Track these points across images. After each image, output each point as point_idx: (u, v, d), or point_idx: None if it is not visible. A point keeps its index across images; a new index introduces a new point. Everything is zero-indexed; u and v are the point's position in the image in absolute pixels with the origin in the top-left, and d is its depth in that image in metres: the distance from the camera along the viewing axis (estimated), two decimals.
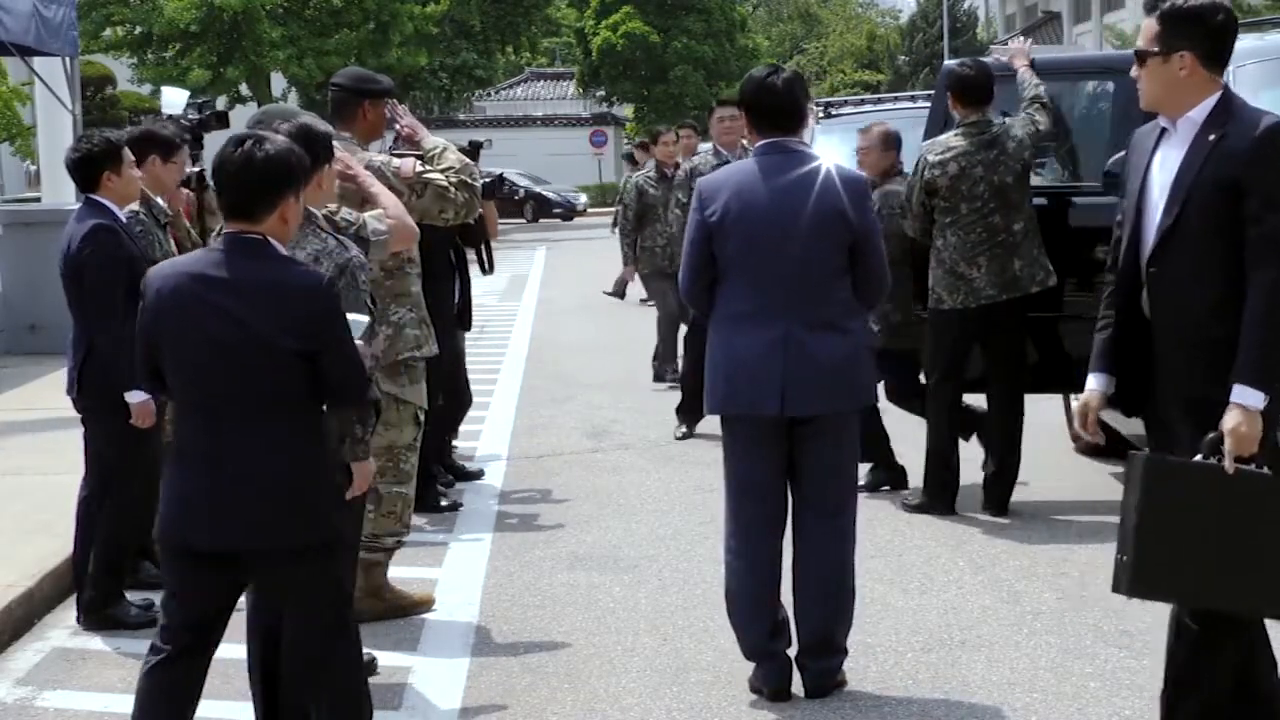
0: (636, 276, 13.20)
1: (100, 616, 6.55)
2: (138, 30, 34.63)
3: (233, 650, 5.03)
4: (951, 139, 8.01)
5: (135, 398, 6.28)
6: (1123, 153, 7.60)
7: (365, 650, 5.96)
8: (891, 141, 8.76)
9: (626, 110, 51.25)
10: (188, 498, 4.26)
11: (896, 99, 18.85)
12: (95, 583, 6.54)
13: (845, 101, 17.59)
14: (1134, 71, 4.56)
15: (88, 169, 6.48)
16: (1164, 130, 4.57)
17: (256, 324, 4.16)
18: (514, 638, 6.38)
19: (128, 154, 6.57)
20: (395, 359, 6.42)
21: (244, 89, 35.66)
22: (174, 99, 8.27)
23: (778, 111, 5.52)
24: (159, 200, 6.90)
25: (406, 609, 6.70)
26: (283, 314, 4.18)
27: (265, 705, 5.15)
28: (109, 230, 6.38)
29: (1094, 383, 4.76)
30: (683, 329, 11.10)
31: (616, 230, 16.65)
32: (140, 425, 6.34)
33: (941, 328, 8.08)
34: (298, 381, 4.23)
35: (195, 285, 4.23)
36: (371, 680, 5.84)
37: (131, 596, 6.66)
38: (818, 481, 5.55)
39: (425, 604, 6.80)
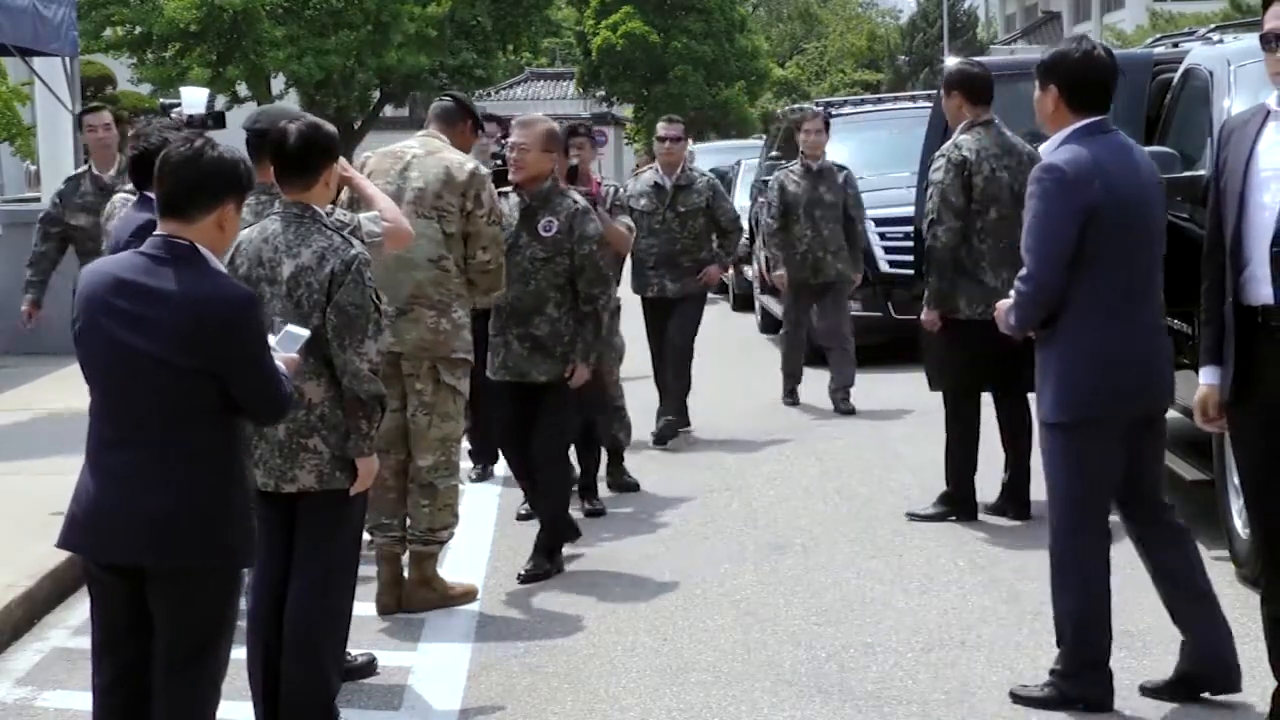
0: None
1: None
2: (138, 30, 34.61)
3: (233, 650, 5.03)
4: (978, 138, 7.79)
5: None
6: None
7: (365, 650, 5.99)
8: (555, 141, 7.26)
9: (626, 110, 51.22)
10: (85, 505, 4.10)
11: (896, 99, 18.87)
12: None
13: (845, 101, 17.60)
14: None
15: (145, 166, 6.44)
16: (1269, 113, 4.64)
17: (157, 336, 3.98)
18: (514, 638, 6.38)
19: None
20: (450, 355, 6.63)
21: (243, 89, 35.66)
22: (195, 98, 8.21)
23: (1106, 89, 5.24)
24: None
25: (456, 599, 6.79)
26: (186, 329, 3.97)
27: (265, 705, 5.16)
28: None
29: (1208, 376, 4.81)
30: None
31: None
32: None
33: (960, 338, 7.88)
34: (201, 398, 4.02)
35: (110, 288, 4.06)
36: (371, 680, 5.86)
37: None
38: (1159, 481, 5.37)
39: (471, 594, 6.86)
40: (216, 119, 8.02)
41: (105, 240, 7.13)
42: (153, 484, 4.01)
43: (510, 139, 7.32)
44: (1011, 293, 5.31)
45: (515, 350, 7.17)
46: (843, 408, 11.16)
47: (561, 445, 7.36)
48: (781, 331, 12.05)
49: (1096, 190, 5.02)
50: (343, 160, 5.97)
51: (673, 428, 10.27)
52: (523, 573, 7.15)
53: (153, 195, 6.39)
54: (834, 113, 15.34)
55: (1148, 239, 5.16)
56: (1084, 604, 5.27)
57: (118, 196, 7.56)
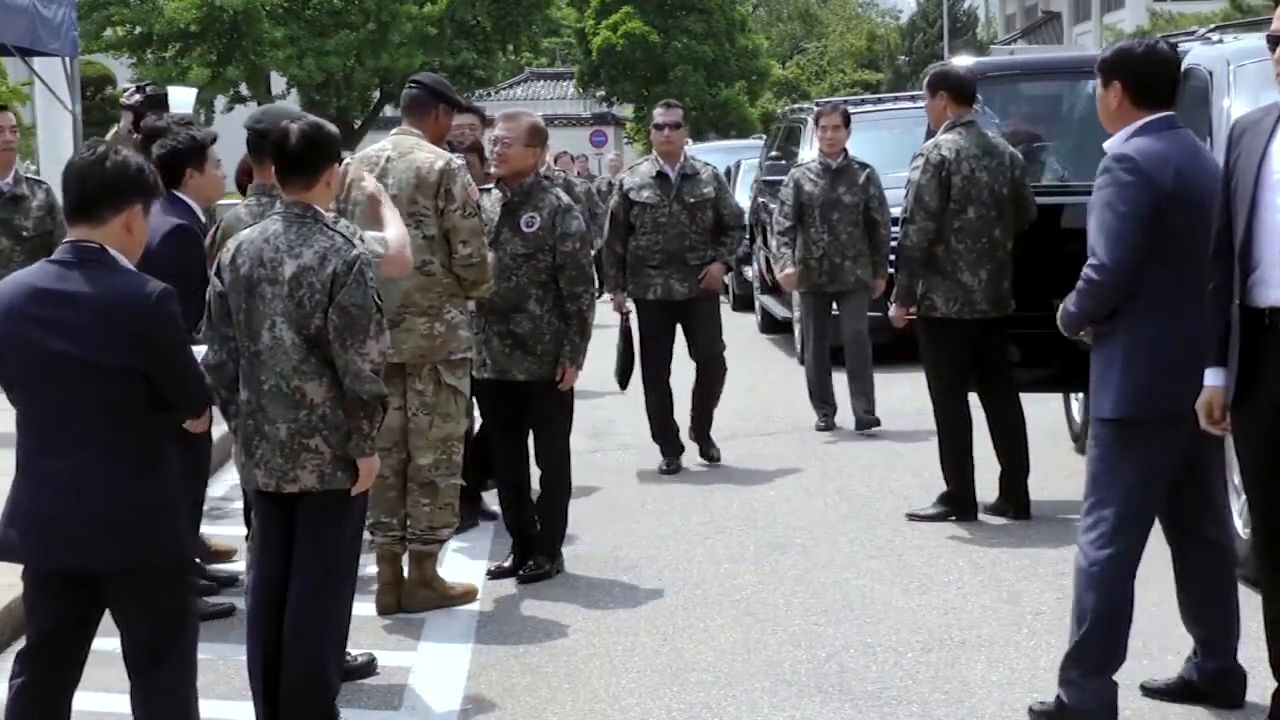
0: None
1: None
2: (138, 30, 34.64)
3: (233, 650, 5.04)
4: (958, 138, 7.81)
5: None
6: None
7: (365, 650, 5.99)
8: (539, 136, 7.08)
9: (626, 110, 51.22)
10: (25, 516, 4.15)
11: (896, 99, 18.86)
12: None
13: (845, 101, 17.60)
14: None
15: (171, 165, 6.43)
16: None
17: (78, 339, 4.05)
18: (514, 638, 6.38)
19: (213, 152, 6.55)
20: (449, 357, 6.61)
21: (243, 89, 35.69)
22: (182, 98, 8.18)
23: (1172, 84, 5.11)
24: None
25: (456, 599, 6.79)
26: (109, 328, 4.06)
27: (265, 705, 5.16)
28: (189, 230, 6.28)
29: (1213, 378, 4.77)
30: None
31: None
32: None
33: (939, 337, 7.93)
34: (132, 398, 4.10)
35: (28, 297, 4.13)
36: (371, 680, 5.87)
37: None
38: (1217, 496, 5.29)
39: (471, 594, 6.86)
40: (153, 101, 7.86)
41: None
42: (95, 486, 4.08)
43: (493, 133, 7.17)
44: (1079, 281, 5.09)
45: (496, 348, 7.05)
46: (865, 420, 10.42)
47: (562, 445, 7.29)
48: (803, 353, 11.08)
49: (1168, 181, 4.90)
50: (370, 178, 6.10)
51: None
52: (523, 573, 7.14)
53: (181, 195, 6.45)
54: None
55: (1207, 238, 4.94)
56: (1120, 619, 5.08)
57: None
